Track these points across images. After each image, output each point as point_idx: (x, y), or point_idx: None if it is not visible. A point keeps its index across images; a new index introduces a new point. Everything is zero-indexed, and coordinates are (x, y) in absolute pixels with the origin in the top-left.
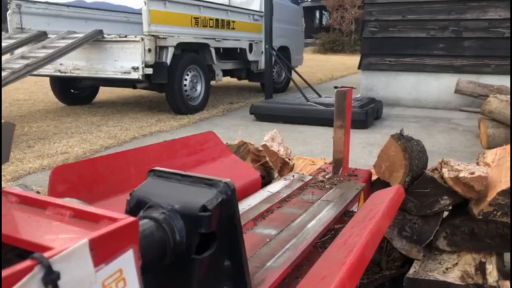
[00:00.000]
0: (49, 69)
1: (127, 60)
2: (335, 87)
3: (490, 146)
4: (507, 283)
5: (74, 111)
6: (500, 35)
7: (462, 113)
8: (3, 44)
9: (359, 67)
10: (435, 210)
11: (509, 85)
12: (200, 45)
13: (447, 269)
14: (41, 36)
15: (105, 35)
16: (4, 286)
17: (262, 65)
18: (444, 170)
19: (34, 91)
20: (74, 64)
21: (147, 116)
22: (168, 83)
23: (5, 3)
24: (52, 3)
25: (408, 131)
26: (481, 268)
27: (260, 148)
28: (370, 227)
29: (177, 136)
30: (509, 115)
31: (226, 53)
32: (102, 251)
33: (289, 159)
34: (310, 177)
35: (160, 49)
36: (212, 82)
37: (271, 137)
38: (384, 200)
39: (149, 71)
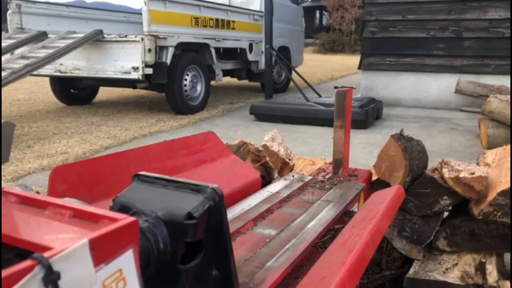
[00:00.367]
0: (49, 69)
1: (127, 60)
2: (335, 87)
3: (490, 146)
4: (507, 283)
5: (74, 111)
6: (500, 35)
7: (462, 113)
8: (3, 44)
9: (359, 67)
10: (435, 210)
11: (509, 85)
12: (200, 45)
13: (447, 269)
14: (41, 36)
15: (105, 35)
16: (4, 286)
17: (262, 65)
18: (444, 170)
19: (34, 91)
20: (74, 64)
21: (147, 116)
22: (168, 83)
23: (5, 3)
24: (52, 3)
25: (408, 131)
26: (481, 268)
27: (260, 148)
28: (370, 227)
29: (177, 136)
30: (509, 115)
31: (226, 53)
32: (102, 251)
33: (289, 159)
34: (310, 177)
35: (160, 49)
36: (212, 82)
37: (271, 137)
38: (384, 200)
39: (149, 71)
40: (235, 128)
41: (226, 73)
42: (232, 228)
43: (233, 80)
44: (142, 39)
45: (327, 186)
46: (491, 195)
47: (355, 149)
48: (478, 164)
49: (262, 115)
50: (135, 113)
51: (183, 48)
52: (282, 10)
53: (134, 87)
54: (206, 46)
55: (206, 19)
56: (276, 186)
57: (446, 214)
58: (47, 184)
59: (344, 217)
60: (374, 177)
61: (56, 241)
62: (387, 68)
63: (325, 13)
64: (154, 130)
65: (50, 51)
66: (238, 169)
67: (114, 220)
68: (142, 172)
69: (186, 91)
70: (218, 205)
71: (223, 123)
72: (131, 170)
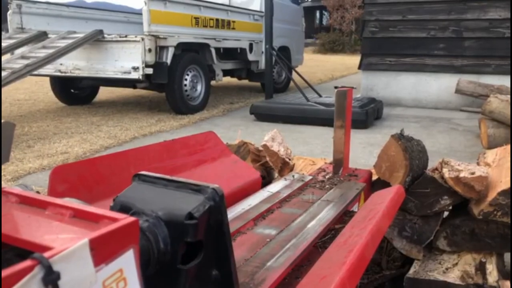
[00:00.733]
0: (49, 69)
1: (127, 60)
2: (336, 87)
3: (490, 146)
4: (507, 283)
5: (74, 111)
6: (500, 35)
7: (462, 113)
8: (3, 44)
9: (359, 67)
10: (435, 210)
11: (509, 85)
12: (200, 45)
13: (447, 269)
14: (42, 36)
15: (106, 35)
16: (4, 286)
17: (262, 65)
18: (445, 170)
19: (34, 91)
20: (74, 64)
21: (147, 116)
22: (168, 83)
23: (6, 3)
24: (53, 3)
25: (409, 131)
26: (481, 268)
27: (260, 148)
28: (370, 227)
29: (177, 136)
30: (509, 115)
31: (227, 53)
32: (102, 251)
33: (289, 159)
34: (310, 177)
35: (160, 49)
36: (212, 82)
37: (271, 137)
38: (384, 200)
39: (149, 71)
40: (235, 128)
41: (226, 73)
42: (232, 228)
43: (233, 80)
44: (142, 39)
45: (327, 186)
46: (491, 195)
47: (355, 149)
48: (478, 164)
49: (262, 115)
50: (135, 113)
51: (183, 48)
52: (282, 10)
53: (134, 87)
54: (206, 46)
55: (206, 19)
56: (276, 186)
57: (446, 214)
58: (47, 184)
59: (344, 217)
60: (374, 177)
61: (56, 241)
62: (387, 68)
63: (325, 13)
64: (154, 130)
65: (50, 51)
66: (238, 169)
67: (114, 220)
68: (143, 172)
69: (186, 91)
70: (218, 205)
71: (223, 123)
72: (131, 170)
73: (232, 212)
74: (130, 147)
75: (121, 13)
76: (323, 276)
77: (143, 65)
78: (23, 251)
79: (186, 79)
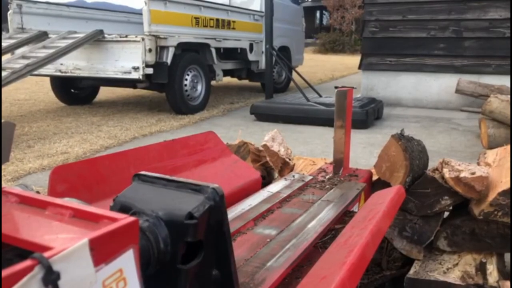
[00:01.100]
0: (49, 69)
1: (128, 60)
2: (336, 87)
3: (490, 146)
4: (508, 283)
5: (74, 111)
6: (500, 35)
7: (462, 113)
8: (3, 44)
9: (359, 67)
10: (435, 210)
11: (509, 85)
12: (200, 45)
13: (447, 269)
14: (42, 36)
15: (106, 35)
16: (4, 286)
17: (262, 65)
18: (445, 170)
19: (35, 91)
20: (75, 64)
21: (147, 116)
22: (168, 83)
23: (6, 3)
24: (53, 3)
25: (409, 131)
26: (481, 269)
27: (261, 148)
28: (370, 227)
29: (177, 136)
30: (509, 115)
31: (227, 53)
32: (102, 251)
33: (290, 159)
34: (311, 177)
35: (160, 49)
36: (213, 82)
37: (272, 137)
38: (384, 200)
39: (150, 71)
40: (236, 128)
41: (226, 73)
42: (232, 228)
43: (234, 80)
44: (143, 39)
45: (327, 186)
46: (492, 195)
47: (356, 149)
48: (478, 164)
49: (263, 115)
50: (136, 113)
51: (183, 48)
52: (282, 10)
53: (135, 87)
54: (207, 46)
55: (207, 19)
56: (276, 186)
57: (446, 214)
58: (47, 184)
59: (344, 217)
60: (375, 177)
61: (56, 241)
62: (387, 68)
63: (326, 13)
64: (154, 130)
65: (51, 51)
66: (239, 169)
67: (114, 220)
68: (143, 172)
69: (186, 91)
70: (218, 205)
71: (223, 123)
72: (131, 170)
73: (232, 212)
74: (130, 147)
75: (121, 13)
76: (323, 276)
77: (144, 65)
78: (23, 251)
79: (186, 79)
